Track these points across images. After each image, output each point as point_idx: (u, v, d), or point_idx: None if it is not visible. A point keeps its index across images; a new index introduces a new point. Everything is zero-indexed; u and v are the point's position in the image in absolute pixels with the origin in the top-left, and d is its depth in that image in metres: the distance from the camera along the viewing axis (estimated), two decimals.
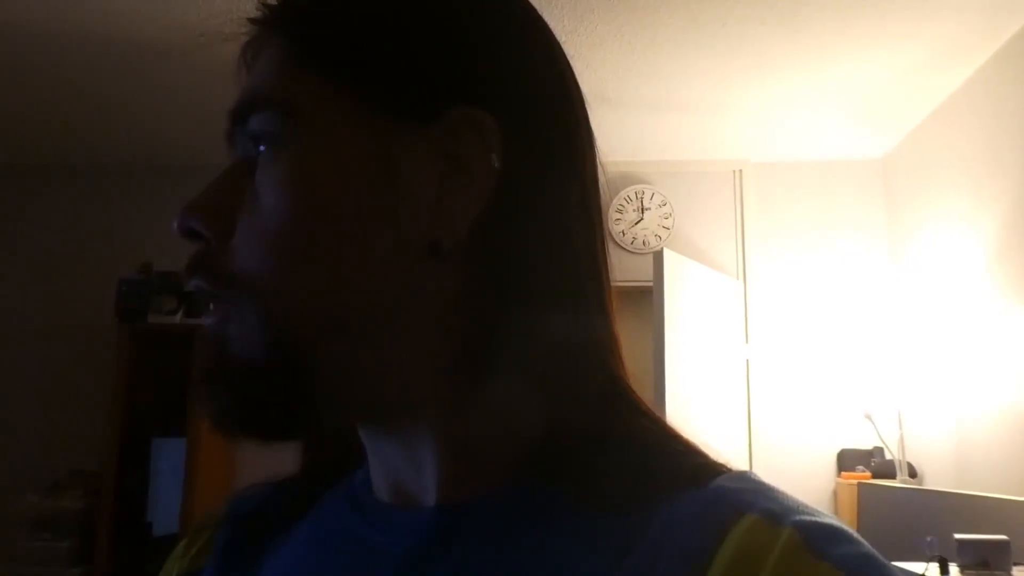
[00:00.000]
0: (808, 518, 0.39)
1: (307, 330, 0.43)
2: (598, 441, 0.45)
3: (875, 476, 3.51)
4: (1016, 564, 1.68)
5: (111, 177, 4.22)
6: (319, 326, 0.44)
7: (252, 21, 0.48)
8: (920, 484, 3.37)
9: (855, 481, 3.50)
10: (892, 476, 3.43)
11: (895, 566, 0.37)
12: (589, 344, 0.48)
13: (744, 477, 0.43)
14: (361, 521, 0.48)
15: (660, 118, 3.60)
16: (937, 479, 3.33)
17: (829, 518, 0.40)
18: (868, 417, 3.56)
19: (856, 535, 0.39)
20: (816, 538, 0.37)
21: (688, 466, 0.44)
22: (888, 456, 3.54)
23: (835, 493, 3.68)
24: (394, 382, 0.45)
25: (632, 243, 4.01)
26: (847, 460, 3.69)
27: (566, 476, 0.44)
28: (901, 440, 3.43)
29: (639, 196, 4.05)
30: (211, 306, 0.47)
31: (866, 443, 3.66)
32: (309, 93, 0.45)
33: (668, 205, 4.05)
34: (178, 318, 3.69)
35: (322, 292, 0.44)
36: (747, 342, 3.90)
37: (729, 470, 0.44)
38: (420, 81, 0.45)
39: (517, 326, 0.45)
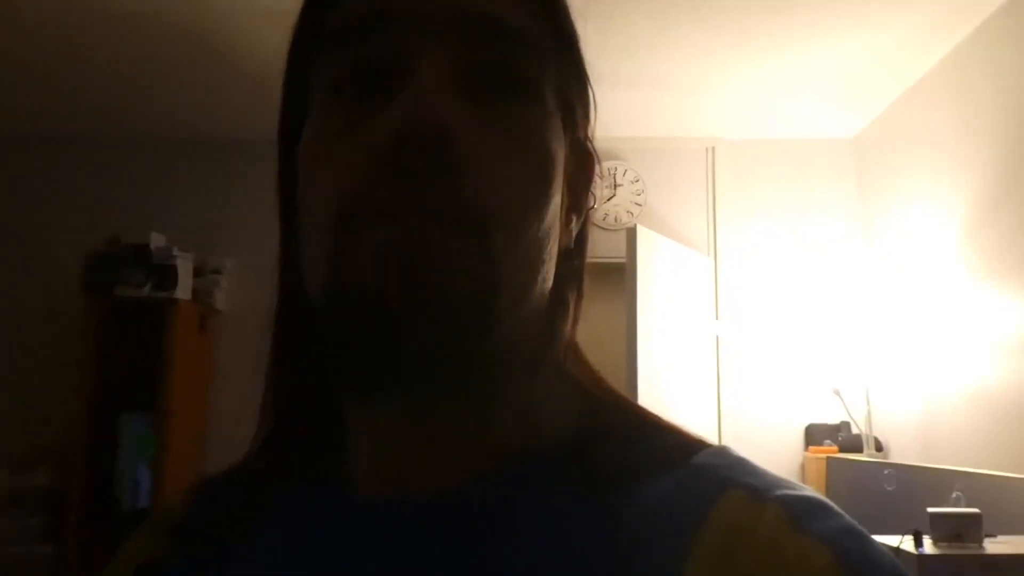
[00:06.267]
0: (790, 492, 0.40)
1: (512, 284, 0.43)
2: (586, 424, 0.45)
3: (842, 450, 3.58)
4: (987, 536, 1.72)
5: (77, 148, 4.13)
6: (519, 284, 0.44)
7: None
8: (886, 458, 3.44)
9: (823, 455, 3.56)
10: (859, 450, 3.49)
11: (874, 538, 0.38)
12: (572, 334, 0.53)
13: (724, 452, 0.44)
14: (346, 516, 0.47)
15: (635, 94, 3.60)
16: (902, 453, 3.40)
17: (810, 492, 0.40)
18: (836, 392, 3.61)
19: (837, 508, 0.40)
20: (799, 513, 0.38)
21: (669, 444, 0.45)
22: (855, 431, 3.61)
23: (803, 467, 3.75)
24: (511, 355, 0.45)
25: (604, 219, 4.02)
26: (815, 434, 3.75)
27: (556, 458, 0.44)
28: (868, 415, 3.50)
29: (612, 172, 4.05)
30: (440, 237, 0.41)
31: (833, 418, 3.73)
32: (552, 71, 0.47)
33: (641, 182, 4.05)
34: (146, 291, 3.63)
35: (532, 252, 0.44)
36: (717, 318, 3.94)
37: (708, 445, 0.45)
38: (585, 113, 0.52)
39: (557, 314, 0.49)
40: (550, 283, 0.47)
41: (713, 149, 4.09)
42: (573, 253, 0.52)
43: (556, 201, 0.46)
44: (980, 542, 1.69)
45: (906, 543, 1.67)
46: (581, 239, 0.53)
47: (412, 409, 0.46)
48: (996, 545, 1.71)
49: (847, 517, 0.39)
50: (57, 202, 4.09)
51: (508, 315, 0.42)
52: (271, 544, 0.48)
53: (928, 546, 1.67)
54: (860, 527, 0.39)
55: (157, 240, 3.72)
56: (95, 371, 3.60)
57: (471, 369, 0.42)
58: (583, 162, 0.52)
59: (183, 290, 3.68)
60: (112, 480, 3.60)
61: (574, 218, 0.52)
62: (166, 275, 3.63)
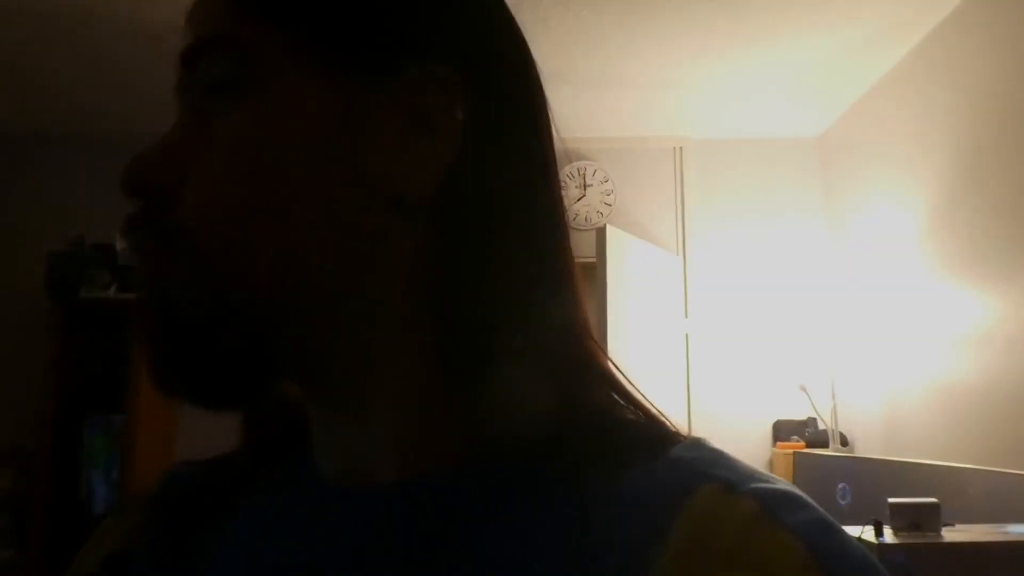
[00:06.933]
0: (764, 485, 0.40)
1: (259, 285, 0.41)
2: (560, 416, 0.44)
3: (809, 445, 3.62)
4: (946, 525, 1.75)
5: (39, 148, 4.07)
6: (273, 282, 0.42)
7: None
8: (851, 452, 3.49)
9: (790, 451, 3.59)
10: (825, 445, 3.53)
11: (845, 530, 0.38)
12: (560, 310, 0.47)
13: (699, 445, 0.44)
14: (314, 504, 0.47)
15: (603, 95, 3.62)
16: (867, 447, 3.44)
17: (784, 484, 0.41)
18: (803, 389, 3.65)
19: (810, 500, 0.40)
20: (773, 505, 0.38)
21: (645, 436, 0.45)
22: (821, 426, 3.65)
23: (771, 462, 3.78)
24: (353, 347, 0.44)
25: (575, 219, 4.03)
26: (782, 430, 3.79)
27: (526, 452, 0.43)
28: (834, 410, 3.54)
29: (581, 173, 4.07)
30: (151, 262, 0.44)
31: (800, 414, 3.77)
32: (261, 40, 0.43)
33: (610, 182, 4.07)
34: (112, 292, 3.58)
35: (276, 245, 0.41)
36: (686, 316, 3.97)
37: (684, 438, 0.45)
38: (379, 35, 0.44)
39: (490, 292, 0.44)
40: (380, 254, 0.43)
41: (681, 149, 4.12)
42: (454, 193, 0.44)
43: (303, 166, 0.42)
44: (938, 531, 1.73)
45: (867, 533, 1.70)
46: (483, 178, 0.45)
47: (340, 404, 0.47)
48: (953, 533, 1.75)
49: (820, 510, 0.39)
50: (20, 202, 4.02)
51: (300, 306, 0.42)
52: (241, 531, 0.48)
53: (888, 535, 1.70)
54: (833, 520, 0.39)
55: (123, 241, 3.67)
56: (59, 373, 3.54)
57: (317, 366, 0.45)
58: (401, 88, 0.44)
59: None
60: (77, 484, 3.55)
61: (423, 153, 0.44)
62: (132, 276, 3.59)
